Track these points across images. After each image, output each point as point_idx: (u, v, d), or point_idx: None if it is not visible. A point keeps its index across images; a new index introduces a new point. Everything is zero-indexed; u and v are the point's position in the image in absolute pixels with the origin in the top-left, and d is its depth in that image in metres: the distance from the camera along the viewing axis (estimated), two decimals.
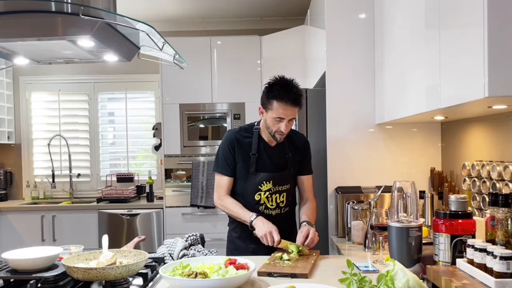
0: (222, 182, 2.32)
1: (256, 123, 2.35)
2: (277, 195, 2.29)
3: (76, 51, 1.84)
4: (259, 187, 2.27)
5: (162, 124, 4.64)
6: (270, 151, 2.31)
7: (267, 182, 2.27)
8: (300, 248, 2.06)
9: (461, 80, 1.59)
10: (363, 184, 2.82)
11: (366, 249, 2.30)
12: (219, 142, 2.44)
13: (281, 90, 2.14)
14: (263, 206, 2.27)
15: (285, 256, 1.97)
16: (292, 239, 2.38)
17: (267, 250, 2.12)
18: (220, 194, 2.32)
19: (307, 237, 2.11)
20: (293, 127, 3.21)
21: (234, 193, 2.34)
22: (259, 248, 2.18)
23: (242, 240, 2.31)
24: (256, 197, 2.27)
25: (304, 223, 2.22)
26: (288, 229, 2.34)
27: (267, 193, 2.27)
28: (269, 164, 2.29)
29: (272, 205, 2.28)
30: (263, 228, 2.10)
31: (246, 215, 2.20)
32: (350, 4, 2.89)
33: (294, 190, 2.39)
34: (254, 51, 4.61)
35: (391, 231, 1.77)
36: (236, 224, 2.33)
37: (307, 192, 2.40)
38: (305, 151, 2.39)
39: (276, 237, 2.07)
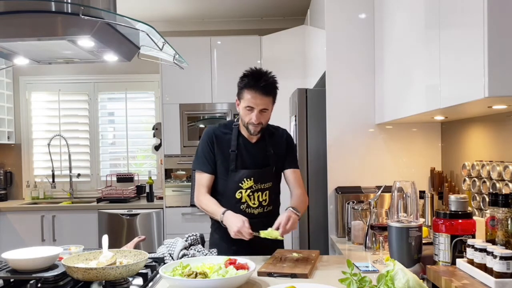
0: (202, 179, 2.25)
1: (236, 120, 2.30)
2: (259, 193, 2.22)
3: (76, 51, 1.85)
4: (240, 184, 2.20)
5: (162, 124, 4.64)
6: (250, 148, 2.25)
7: (248, 180, 2.20)
8: (270, 234, 1.98)
9: (461, 80, 1.59)
10: (363, 184, 2.82)
11: (366, 249, 2.29)
12: None
13: (252, 80, 2.12)
14: (245, 205, 2.21)
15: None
16: (282, 242, 2.31)
17: (250, 251, 2.07)
18: (199, 192, 2.25)
19: (287, 222, 2.02)
20: (293, 127, 3.23)
21: (215, 192, 2.26)
22: (241, 249, 2.11)
23: (224, 241, 2.21)
24: (237, 195, 2.20)
25: (289, 208, 2.12)
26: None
27: (248, 191, 2.20)
28: (249, 161, 2.23)
29: (254, 203, 2.21)
30: (233, 228, 2.00)
31: (217, 212, 2.11)
32: (350, 4, 2.89)
33: (277, 189, 2.32)
34: (254, 51, 4.61)
35: (391, 231, 1.77)
36: (218, 225, 2.23)
37: (296, 187, 2.29)
38: (287, 145, 2.32)
39: (246, 234, 1.97)
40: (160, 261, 1.94)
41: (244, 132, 2.25)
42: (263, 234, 1.98)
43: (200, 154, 2.28)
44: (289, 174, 2.31)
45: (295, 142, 3.09)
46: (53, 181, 5.01)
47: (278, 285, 1.58)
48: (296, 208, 2.12)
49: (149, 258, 1.84)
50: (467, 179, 2.34)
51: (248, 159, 2.23)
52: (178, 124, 4.60)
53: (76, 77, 5.19)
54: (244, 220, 2.00)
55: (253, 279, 1.72)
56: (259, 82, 2.11)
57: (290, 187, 2.32)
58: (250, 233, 1.97)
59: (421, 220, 1.82)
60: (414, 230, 1.73)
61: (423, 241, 1.77)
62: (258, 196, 2.22)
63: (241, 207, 2.20)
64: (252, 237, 1.98)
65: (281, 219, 2.03)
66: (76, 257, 1.73)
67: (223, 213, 2.08)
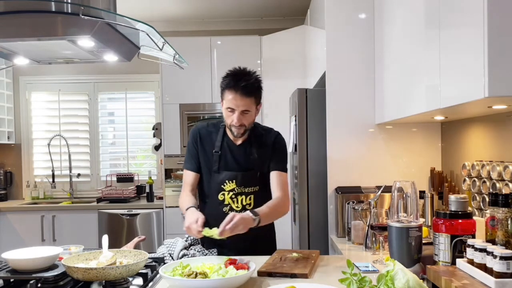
0: (186, 177, 2.21)
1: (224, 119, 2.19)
2: (243, 196, 2.14)
3: (76, 51, 1.84)
4: (222, 186, 2.14)
5: (162, 124, 4.64)
6: (234, 150, 2.17)
7: (230, 182, 2.13)
8: (210, 232, 1.84)
9: (461, 80, 1.59)
10: (363, 184, 2.82)
11: (366, 249, 2.30)
12: None
13: (232, 80, 2.05)
14: (228, 207, 2.14)
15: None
16: (272, 244, 2.29)
17: (231, 253, 1.99)
18: (182, 190, 2.19)
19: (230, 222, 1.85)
20: (293, 127, 3.23)
21: (202, 194, 2.23)
22: (222, 251, 2.07)
23: (205, 242, 2.14)
24: (220, 197, 2.14)
25: (248, 211, 1.98)
26: (262, 234, 2.12)
27: (231, 193, 2.13)
28: (232, 163, 2.15)
29: (237, 206, 2.14)
30: (185, 224, 1.91)
31: (183, 209, 2.05)
32: (350, 4, 2.89)
33: (265, 194, 2.19)
34: (254, 51, 4.61)
35: (391, 231, 1.77)
36: None
37: (276, 190, 2.15)
38: (273, 148, 2.19)
39: (194, 231, 1.86)
40: (160, 261, 1.94)
41: (229, 133, 2.17)
42: (205, 232, 1.85)
43: (187, 153, 2.24)
44: (272, 176, 2.19)
45: (294, 142, 3.10)
46: (53, 181, 5.01)
47: (278, 285, 1.58)
48: (257, 211, 1.96)
49: (149, 258, 1.83)
50: (467, 179, 2.34)
51: (231, 161, 2.16)
52: (178, 124, 4.60)
53: (76, 77, 5.19)
54: (198, 218, 1.89)
55: (253, 279, 1.72)
56: (240, 83, 2.03)
57: (272, 190, 2.19)
58: (198, 231, 1.86)
59: (421, 220, 1.82)
60: (414, 230, 1.73)
61: (423, 241, 1.77)
62: (242, 200, 2.15)
63: (224, 209, 2.14)
64: (202, 236, 1.87)
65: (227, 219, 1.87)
66: (76, 257, 1.73)
67: (187, 209, 2.02)
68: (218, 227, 1.86)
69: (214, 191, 2.17)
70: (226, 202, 2.15)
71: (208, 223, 2.05)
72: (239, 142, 2.18)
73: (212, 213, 2.14)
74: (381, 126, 2.88)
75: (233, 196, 2.14)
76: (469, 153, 2.45)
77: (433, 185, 2.71)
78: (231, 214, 1.88)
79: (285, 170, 2.22)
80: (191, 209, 2.02)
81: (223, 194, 2.15)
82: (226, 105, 2.07)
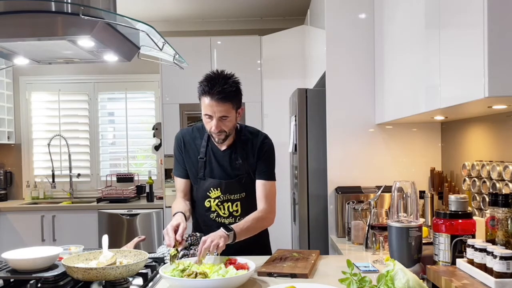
0: (177, 184, 2.18)
1: None
2: (229, 203, 2.10)
3: (76, 51, 1.84)
4: (208, 193, 2.10)
5: (162, 124, 4.64)
6: (219, 156, 2.10)
7: (215, 190, 2.08)
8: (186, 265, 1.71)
9: (461, 80, 1.59)
10: (363, 184, 2.82)
11: (366, 249, 2.30)
12: None
13: (207, 85, 1.95)
14: (215, 214, 2.10)
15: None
16: (267, 246, 2.24)
17: (223, 253, 1.92)
18: (175, 197, 2.18)
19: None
20: (293, 127, 3.23)
21: (191, 199, 2.18)
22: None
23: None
24: (206, 204, 2.10)
25: (221, 228, 1.86)
26: (252, 240, 2.01)
27: (217, 200, 2.09)
28: (218, 170, 2.09)
29: (224, 213, 2.10)
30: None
31: (172, 214, 2.01)
32: (350, 4, 2.89)
33: (253, 200, 2.11)
34: (254, 51, 4.61)
35: (391, 231, 1.77)
36: (194, 228, 2.18)
37: (261, 202, 2.08)
38: (258, 154, 2.10)
39: (167, 238, 1.79)
40: (160, 261, 1.94)
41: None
42: (172, 251, 1.76)
43: (174, 159, 2.19)
44: (257, 186, 2.11)
45: (294, 142, 3.10)
46: (53, 181, 5.01)
47: (278, 285, 1.58)
48: (232, 227, 1.87)
49: (149, 258, 1.83)
50: (467, 179, 2.34)
51: (216, 168, 2.10)
52: (178, 124, 4.60)
53: (76, 77, 5.19)
54: (170, 228, 1.83)
55: (253, 279, 1.72)
56: (215, 88, 1.93)
57: (257, 201, 2.10)
58: (170, 242, 1.79)
59: (421, 220, 1.82)
60: (414, 230, 1.73)
61: (423, 241, 1.77)
62: (228, 207, 2.10)
63: (211, 216, 2.11)
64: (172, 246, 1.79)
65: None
66: (76, 257, 1.73)
67: (173, 215, 1.97)
68: (204, 234, 1.85)
69: (200, 197, 2.13)
70: (212, 209, 2.11)
71: (197, 229, 2.10)
72: (223, 147, 2.10)
73: (201, 219, 2.14)
74: (381, 126, 2.88)
75: (219, 204, 2.10)
76: (469, 153, 2.45)
77: (433, 185, 2.71)
78: (203, 237, 1.80)
79: (272, 178, 2.13)
80: (176, 215, 1.95)
81: (209, 201, 2.11)
82: (204, 111, 1.99)
